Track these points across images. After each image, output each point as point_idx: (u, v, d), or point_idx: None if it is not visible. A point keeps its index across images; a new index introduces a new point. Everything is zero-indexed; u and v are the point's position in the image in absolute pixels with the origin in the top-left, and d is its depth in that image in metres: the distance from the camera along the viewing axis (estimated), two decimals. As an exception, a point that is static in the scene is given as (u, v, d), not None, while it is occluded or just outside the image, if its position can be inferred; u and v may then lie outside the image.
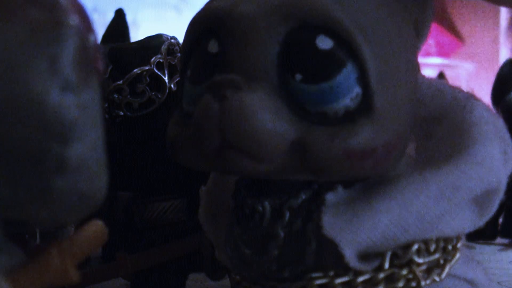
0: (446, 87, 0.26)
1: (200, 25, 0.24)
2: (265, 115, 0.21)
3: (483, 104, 0.25)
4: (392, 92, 0.22)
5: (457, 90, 0.26)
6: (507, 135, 0.25)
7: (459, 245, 0.25)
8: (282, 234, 0.23)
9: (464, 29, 1.87)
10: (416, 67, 0.24)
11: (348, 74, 0.21)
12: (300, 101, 0.22)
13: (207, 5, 0.24)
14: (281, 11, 0.21)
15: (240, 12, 0.22)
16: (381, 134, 0.21)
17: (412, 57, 0.23)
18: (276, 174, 0.22)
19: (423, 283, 0.24)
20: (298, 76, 0.21)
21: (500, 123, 0.25)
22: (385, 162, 0.22)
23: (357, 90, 0.21)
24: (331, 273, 0.23)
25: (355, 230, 0.22)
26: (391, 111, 0.22)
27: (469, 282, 0.26)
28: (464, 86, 0.27)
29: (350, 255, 0.22)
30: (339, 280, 0.23)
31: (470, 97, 0.25)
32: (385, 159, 0.22)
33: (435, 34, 1.78)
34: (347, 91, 0.21)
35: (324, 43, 0.21)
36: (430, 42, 1.77)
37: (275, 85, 0.22)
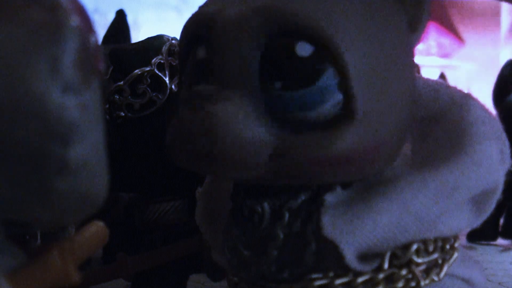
0: (443, 87, 0.26)
1: (190, 30, 0.23)
2: (238, 125, 0.21)
3: (480, 103, 0.25)
4: (378, 95, 0.21)
5: (453, 90, 0.26)
6: (503, 135, 0.25)
7: (456, 244, 0.25)
8: (281, 235, 0.23)
9: (465, 30, 1.87)
10: (410, 64, 0.23)
11: (328, 80, 0.21)
12: (280, 108, 0.21)
13: (198, 9, 0.23)
14: (262, 16, 0.21)
15: (224, 17, 0.22)
16: (362, 140, 0.21)
17: (405, 54, 0.23)
18: (260, 180, 0.22)
19: (422, 283, 0.24)
20: (278, 83, 0.21)
21: (496, 122, 0.25)
22: (367, 167, 0.22)
23: (338, 96, 0.21)
24: (331, 274, 0.23)
25: (356, 231, 0.22)
26: (377, 116, 0.21)
27: (466, 281, 0.26)
28: (465, 87, 0.26)
29: (350, 256, 0.23)
30: (339, 281, 0.23)
31: (467, 97, 0.25)
32: (367, 165, 0.22)
33: (436, 35, 1.78)
34: (327, 97, 0.21)
35: (304, 49, 0.21)
36: (431, 43, 1.77)
37: (257, 92, 0.21)
